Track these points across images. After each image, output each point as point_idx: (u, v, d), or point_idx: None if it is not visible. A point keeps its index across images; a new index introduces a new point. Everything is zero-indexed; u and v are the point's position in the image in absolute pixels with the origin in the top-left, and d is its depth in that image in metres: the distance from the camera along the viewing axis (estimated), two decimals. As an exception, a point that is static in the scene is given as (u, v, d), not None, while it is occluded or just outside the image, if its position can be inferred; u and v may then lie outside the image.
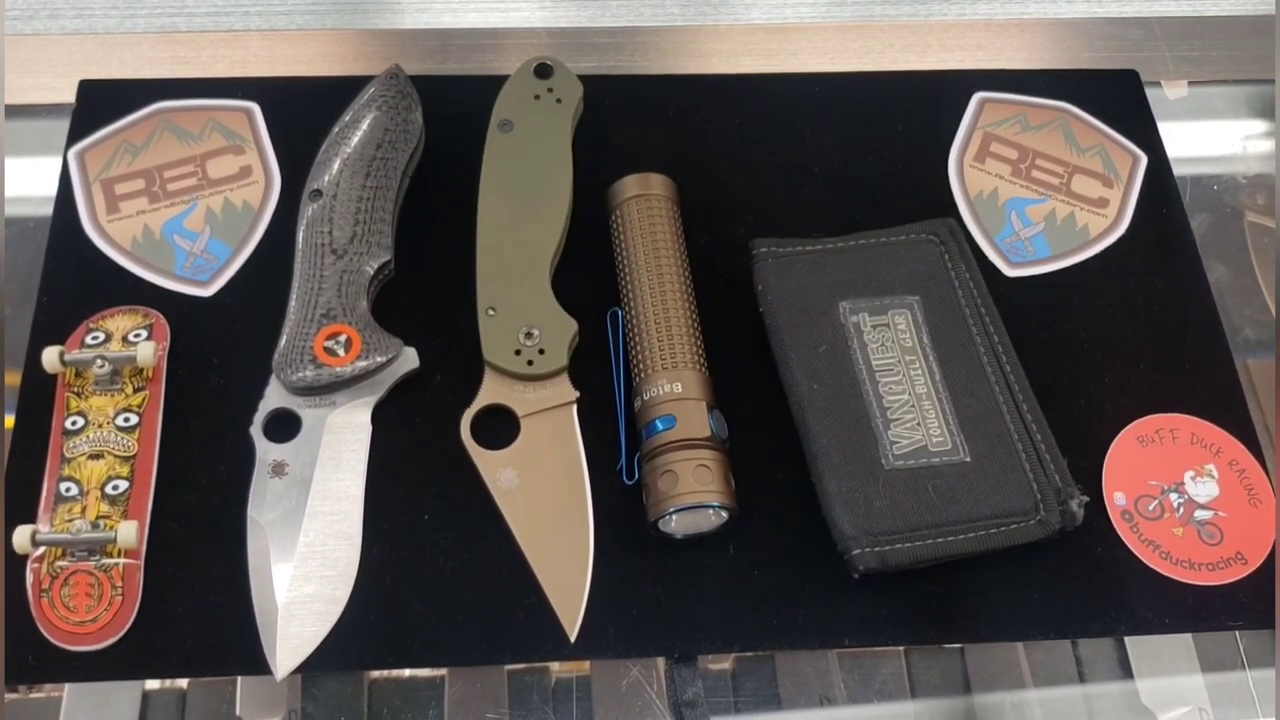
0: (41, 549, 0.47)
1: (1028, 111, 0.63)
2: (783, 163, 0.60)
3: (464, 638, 0.47)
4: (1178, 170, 0.61)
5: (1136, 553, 0.50)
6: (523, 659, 0.48)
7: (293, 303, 0.52)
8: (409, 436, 0.51)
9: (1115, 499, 0.51)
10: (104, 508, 0.48)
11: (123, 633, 0.46)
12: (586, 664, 0.48)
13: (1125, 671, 0.50)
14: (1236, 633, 0.50)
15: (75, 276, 0.54)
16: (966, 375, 0.51)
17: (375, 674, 0.48)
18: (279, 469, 0.49)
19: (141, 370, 0.51)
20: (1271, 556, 0.50)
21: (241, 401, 0.51)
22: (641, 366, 0.51)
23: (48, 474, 0.48)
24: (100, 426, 0.49)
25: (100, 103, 0.59)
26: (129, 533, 0.46)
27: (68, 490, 0.48)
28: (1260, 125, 0.66)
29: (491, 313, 0.52)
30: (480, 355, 0.51)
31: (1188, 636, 0.50)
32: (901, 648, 0.50)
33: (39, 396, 0.50)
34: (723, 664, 0.49)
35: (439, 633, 0.47)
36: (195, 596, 0.47)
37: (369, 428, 0.51)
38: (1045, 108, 0.63)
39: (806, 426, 0.49)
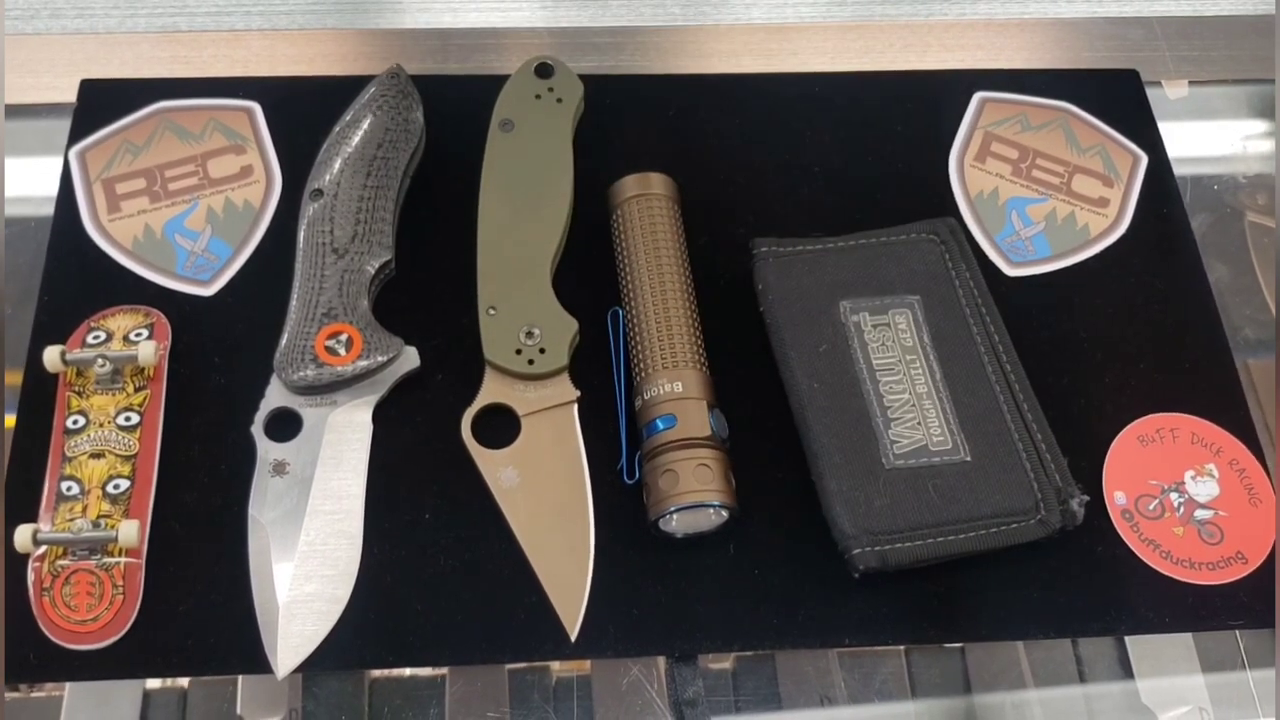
0: (43, 548, 0.47)
1: (1028, 111, 0.63)
2: (783, 162, 0.60)
3: (465, 637, 0.47)
4: (1178, 170, 0.61)
5: (1137, 552, 0.50)
6: (523, 658, 0.48)
7: (294, 302, 0.52)
8: (410, 436, 0.51)
9: (1115, 498, 0.51)
10: (105, 507, 0.48)
11: (124, 632, 0.46)
12: (587, 663, 0.48)
13: (1125, 671, 0.50)
14: (1237, 632, 0.50)
15: (76, 276, 0.54)
16: (967, 374, 0.51)
17: (376, 673, 0.48)
18: (280, 468, 0.49)
19: (142, 369, 0.51)
20: (1271, 556, 0.50)
21: (242, 401, 0.51)
22: (642, 366, 0.51)
23: (49, 473, 0.49)
24: (101, 426, 0.49)
25: (101, 102, 0.59)
26: (130, 532, 0.46)
27: (69, 489, 0.48)
28: (1260, 125, 0.66)
29: (492, 312, 0.52)
30: (481, 354, 0.51)
31: (1188, 636, 0.50)
32: (902, 647, 0.50)
33: (40, 396, 0.50)
34: (723, 663, 0.49)
35: (440, 632, 0.47)
36: (196, 595, 0.47)
37: (370, 427, 0.51)
38: (1046, 107, 0.63)
39: (807, 426, 0.50)
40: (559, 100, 0.58)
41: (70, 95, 0.59)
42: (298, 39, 0.65)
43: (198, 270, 0.55)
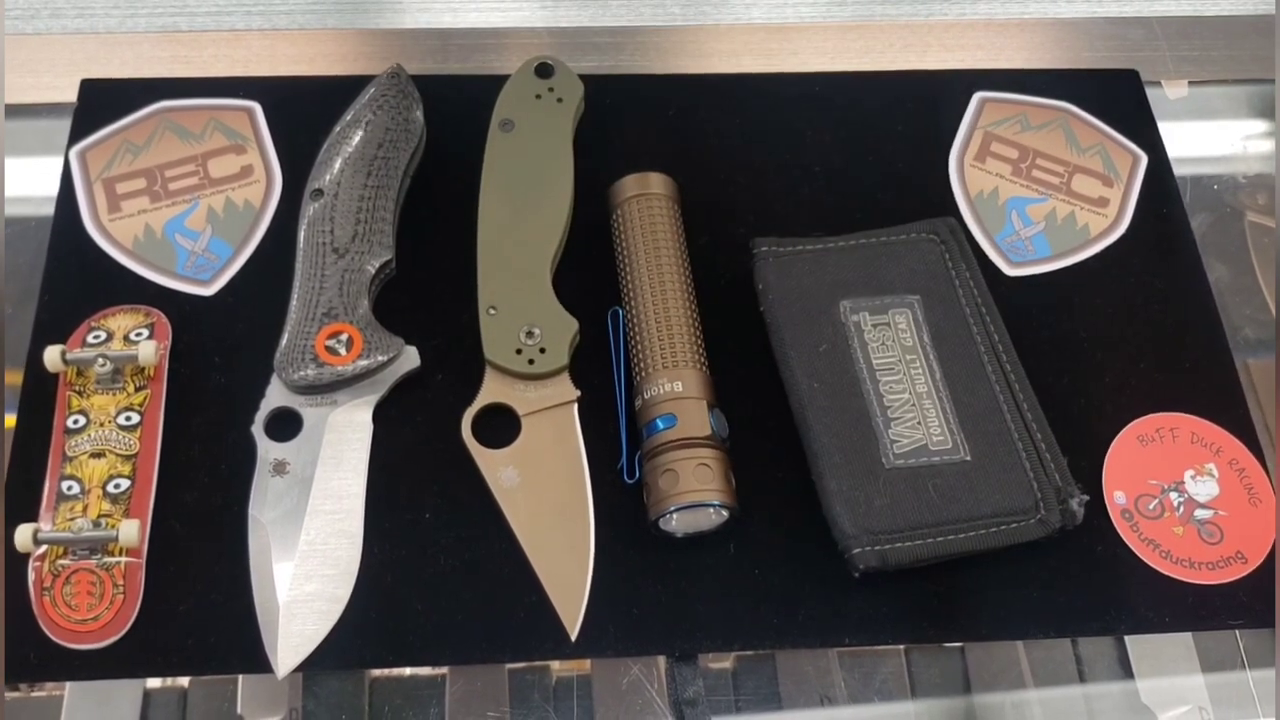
0: (43, 547, 0.47)
1: (1028, 111, 0.63)
2: (783, 162, 0.60)
3: (465, 636, 0.47)
4: (1178, 170, 0.61)
5: (1136, 552, 0.50)
6: (523, 657, 0.48)
7: (294, 302, 0.52)
8: (410, 435, 0.51)
9: (1115, 498, 0.51)
10: (105, 506, 0.48)
11: (124, 631, 0.46)
12: (587, 663, 0.48)
13: (1125, 671, 0.50)
14: (1236, 632, 0.50)
15: (77, 276, 0.54)
16: (967, 374, 0.51)
17: (376, 672, 0.48)
18: (280, 468, 0.49)
19: (143, 369, 0.51)
20: (1271, 555, 0.50)
21: (243, 400, 0.51)
22: (642, 365, 0.51)
23: (49, 472, 0.49)
24: (102, 425, 0.49)
25: (102, 102, 0.59)
26: (130, 531, 0.46)
27: (69, 489, 0.48)
28: (1260, 125, 0.66)
29: (492, 312, 0.52)
30: (481, 354, 0.51)
31: (1188, 636, 0.50)
32: (902, 647, 0.50)
33: (40, 395, 0.50)
34: (723, 663, 0.49)
35: (440, 631, 0.47)
36: (197, 595, 0.47)
37: (370, 426, 0.51)
38: (1045, 107, 0.63)
39: (807, 425, 0.50)
40: (559, 100, 0.58)
41: (71, 95, 0.59)
42: (298, 39, 0.65)
43: (198, 270, 0.55)
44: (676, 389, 0.49)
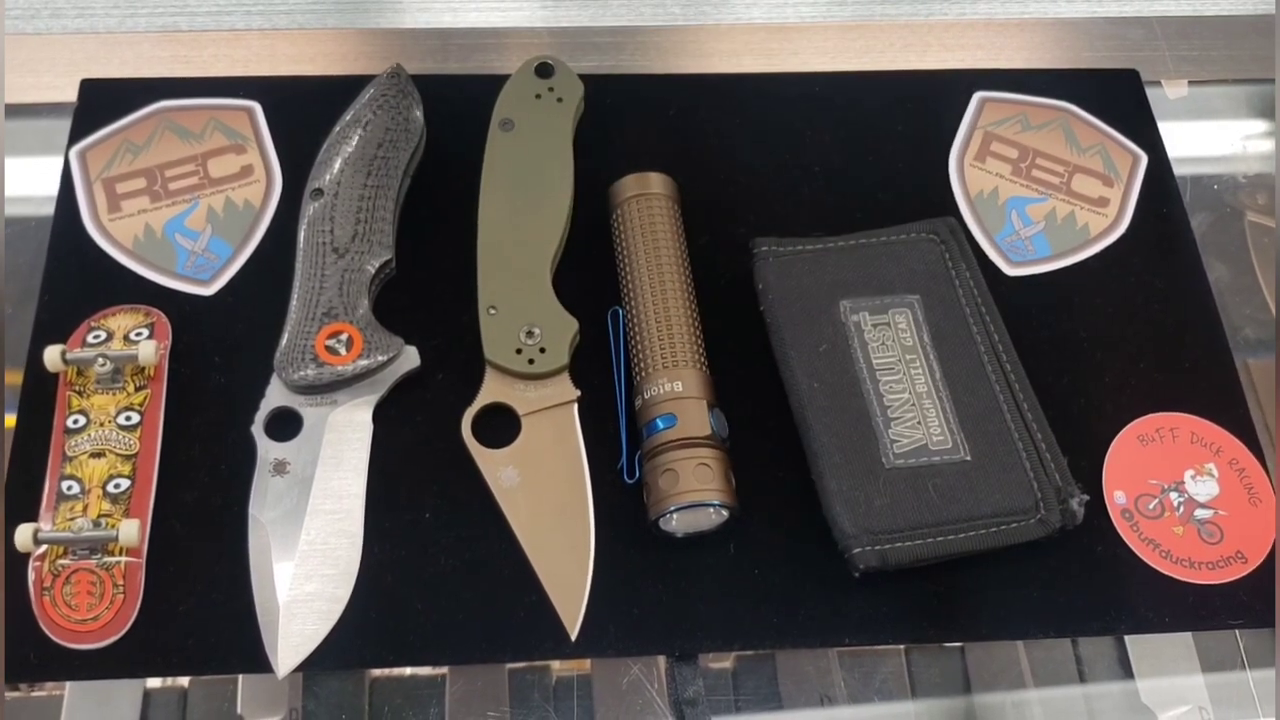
0: (43, 547, 0.47)
1: (1028, 111, 0.63)
2: (783, 162, 0.60)
3: (465, 636, 0.47)
4: (1178, 170, 0.61)
5: (1137, 551, 0.50)
6: (523, 657, 0.48)
7: (294, 301, 0.52)
8: (410, 435, 0.51)
9: (1115, 498, 0.51)
10: (105, 506, 0.48)
11: (124, 631, 0.46)
12: (587, 662, 0.48)
13: (1125, 671, 0.50)
14: (1236, 632, 0.50)
15: (77, 275, 0.54)
16: (967, 374, 0.51)
17: (376, 672, 0.48)
18: (280, 467, 0.49)
19: (143, 369, 0.51)
20: (1271, 555, 0.50)
21: (243, 400, 0.51)
22: (642, 365, 0.51)
23: (49, 472, 0.49)
24: (102, 425, 0.49)
25: (101, 102, 0.59)
26: (130, 531, 0.46)
27: (69, 488, 0.48)
28: (1260, 125, 0.66)
29: (492, 311, 0.52)
30: (481, 354, 0.51)
31: (1188, 636, 0.50)
32: (902, 646, 0.50)
33: (40, 395, 0.50)
34: (723, 662, 0.49)
35: (440, 631, 0.47)
36: (197, 595, 0.47)
37: (370, 426, 0.51)
38: (1045, 107, 0.63)
39: (807, 425, 0.50)
40: (559, 100, 0.58)
41: (71, 95, 0.59)
42: (298, 38, 0.65)
43: (198, 270, 0.55)
44: (676, 389, 0.49)
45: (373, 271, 0.53)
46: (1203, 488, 0.52)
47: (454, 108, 0.59)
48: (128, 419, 0.50)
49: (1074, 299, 0.57)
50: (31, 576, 0.47)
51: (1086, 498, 0.49)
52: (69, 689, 0.47)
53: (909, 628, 0.48)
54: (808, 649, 0.49)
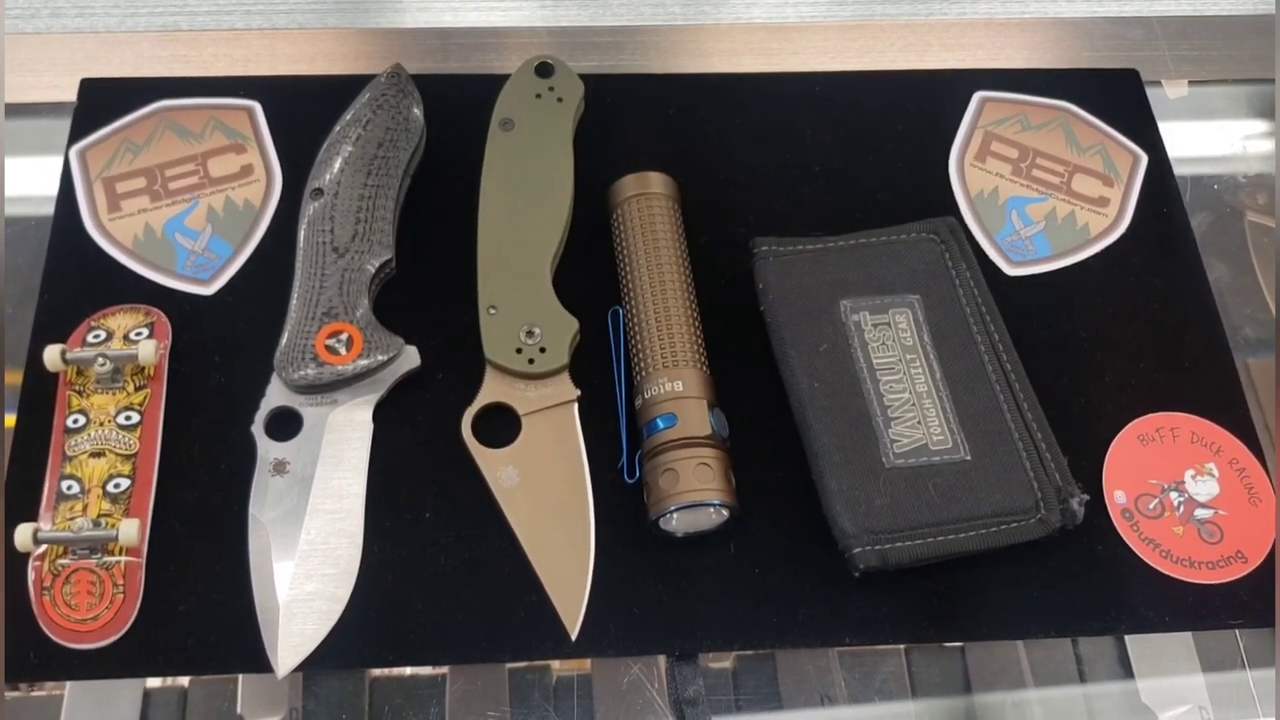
0: (43, 547, 0.47)
1: (1028, 111, 0.63)
2: (783, 162, 0.60)
3: (465, 636, 0.47)
4: (1178, 169, 0.61)
5: (1137, 551, 0.50)
6: (524, 657, 0.48)
7: (294, 301, 0.52)
8: (410, 435, 0.51)
9: (1115, 497, 0.51)
10: (105, 506, 0.48)
11: (124, 631, 0.46)
12: (587, 662, 0.48)
13: (1125, 670, 0.50)
14: (1236, 631, 0.50)
15: (77, 275, 0.54)
16: (967, 374, 0.51)
17: (376, 672, 0.48)
18: (280, 467, 0.49)
19: (143, 368, 0.51)
20: (1271, 555, 0.50)
21: (243, 400, 0.51)
22: (642, 365, 0.51)
23: (49, 472, 0.49)
24: (102, 424, 0.49)
25: (102, 101, 0.59)
26: (130, 531, 0.46)
27: (69, 488, 0.48)
28: (1260, 125, 0.66)
29: (492, 311, 0.52)
30: (481, 354, 0.51)
31: (1188, 635, 0.50)
32: (902, 646, 0.50)
33: (40, 395, 0.50)
34: (723, 662, 0.49)
35: (440, 631, 0.47)
36: (197, 595, 0.47)
37: (370, 426, 0.51)
38: (1046, 107, 0.63)
39: (807, 425, 0.50)
40: (559, 99, 0.58)
41: (70, 94, 0.59)
42: (298, 38, 0.65)
43: (198, 269, 0.55)
44: (677, 388, 0.49)
45: (373, 271, 0.53)
46: (1203, 487, 0.52)
47: (454, 107, 0.59)
48: (128, 419, 0.50)
49: (1074, 299, 0.57)
50: (31, 576, 0.47)
51: (1087, 497, 0.49)
52: (69, 689, 0.47)
53: (909, 627, 0.48)
54: (808, 649, 0.49)
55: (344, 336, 0.51)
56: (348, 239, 0.53)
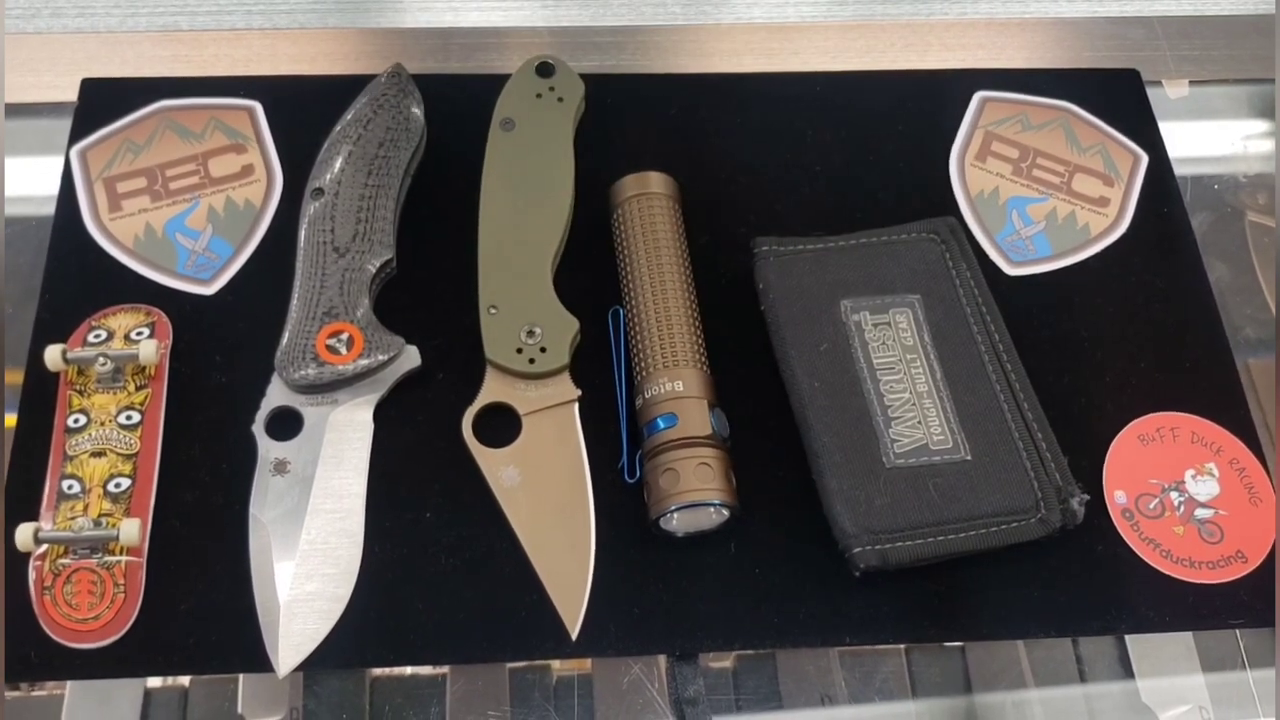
0: (44, 546, 0.47)
1: (1029, 110, 0.63)
2: (784, 161, 0.60)
3: (465, 635, 0.47)
4: (1178, 169, 0.61)
5: (1137, 551, 0.50)
6: (524, 657, 0.48)
7: (295, 301, 0.52)
8: (411, 435, 0.51)
9: (1116, 497, 0.51)
10: (106, 505, 0.48)
11: (125, 630, 0.46)
12: (588, 662, 0.49)
13: (1126, 670, 0.50)
14: (1237, 631, 0.50)
15: (77, 275, 0.54)
16: (967, 374, 0.51)
17: (377, 672, 0.48)
18: (281, 467, 0.49)
19: (144, 368, 0.51)
20: (1272, 555, 0.50)
21: (243, 399, 0.51)
22: (643, 365, 0.51)
23: (50, 472, 0.49)
24: (102, 424, 0.49)
25: (102, 101, 0.59)
26: (131, 530, 0.46)
27: (70, 488, 0.48)
28: (1261, 125, 0.66)
29: (493, 311, 0.52)
30: (482, 353, 0.51)
31: (1188, 635, 0.50)
32: (902, 646, 0.50)
33: (41, 394, 0.50)
34: (724, 662, 0.49)
35: (441, 630, 0.47)
36: (197, 594, 0.47)
37: (371, 426, 0.51)
38: (1046, 107, 0.63)
39: (808, 425, 0.50)
40: (560, 99, 0.58)
41: (71, 94, 0.59)
42: (299, 38, 0.65)
43: (199, 269, 0.55)
44: (677, 388, 0.49)
45: (373, 271, 0.53)
46: (1203, 487, 0.52)
47: (455, 107, 0.59)
48: (128, 418, 0.50)
49: (1074, 299, 0.57)
50: (32, 576, 0.47)
51: (1087, 497, 0.49)
52: (70, 688, 0.47)
53: (909, 627, 0.48)
54: (808, 648, 0.49)
55: (345, 336, 0.51)
56: (348, 239, 0.53)
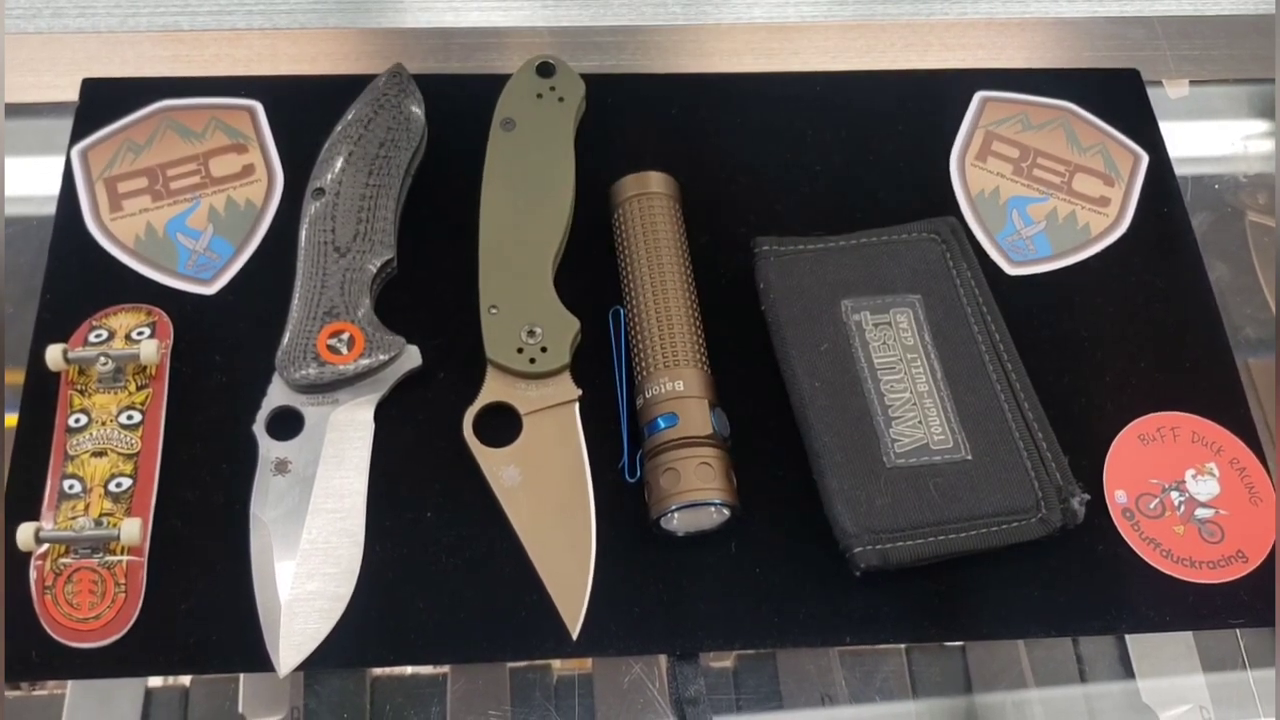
0: (45, 546, 0.47)
1: (1029, 110, 0.63)
2: (784, 161, 0.60)
3: (466, 635, 0.47)
4: (1179, 169, 0.61)
5: (1137, 551, 0.50)
6: (525, 656, 0.48)
7: (295, 301, 0.52)
8: (411, 434, 0.51)
9: (1116, 497, 0.51)
10: (107, 505, 0.48)
11: (126, 630, 0.46)
12: (588, 661, 0.49)
13: (1126, 670, 0.50)
14: (1237, 631, 0.50)
15: (78, 275, 0.54)
16: (968, 373, 0.51)
17: (377, 671, 0.48)
18: (282, 466, 0.49)
19: (144, 368, 0.51)
20: (1272, 555, 0.50)
21: (244, 399, 0.51)
22: (643, 364, 0.51)
23: (51, 471, 0.49)
24: (103, 424, 0.50)
25: (103, 101, 0.59)
26: (132, 530, 0.46)
27: (71, 487, 0.48)
28: (1261, 125, 0.66)
29: (494, 311, 0.52)
30: (482, 353, 0.51)
31: (1188, 635, 0.50)
32: (903, 646, 0.50)
33: (42, 394, 0.50)
34: (724, 661, 0.49)
35: (441, 630, 0.47)
36: (198, 594, 0.47)
37: (371, 425, 0.51)
38: (1046, 106, 0.63)
39: (808, 424, 0.50)
40: (560, 99, 0.58)
41: (72, 94, 0.59)
42: (299, 38, 0.65)
43: (199, 269, 0.55)
44: (678, 388, 0.49)
45: (374, 271, 0.53)
46: (1203, 487, 0.52)
47: (455, 107, 0.59)
48: (129, 418, 0.50)
49: (1075, 298, 0.57)
50: (33, 575, 0.47)
51: (1087, 497, 0.49)
52: (70, 688, 0.47)
53: (910, 627, 0.48)
54: (809, 648, 0.49)
55: (345, 336, 0.51)
56: (349, 238, 0.53)
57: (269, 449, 0.50)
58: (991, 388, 0.51)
